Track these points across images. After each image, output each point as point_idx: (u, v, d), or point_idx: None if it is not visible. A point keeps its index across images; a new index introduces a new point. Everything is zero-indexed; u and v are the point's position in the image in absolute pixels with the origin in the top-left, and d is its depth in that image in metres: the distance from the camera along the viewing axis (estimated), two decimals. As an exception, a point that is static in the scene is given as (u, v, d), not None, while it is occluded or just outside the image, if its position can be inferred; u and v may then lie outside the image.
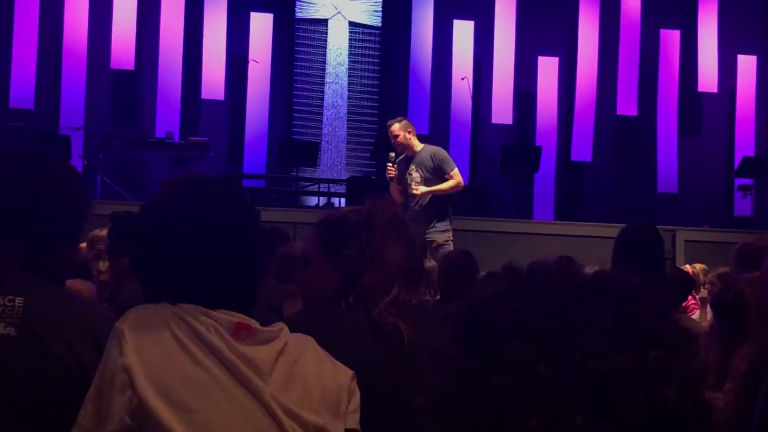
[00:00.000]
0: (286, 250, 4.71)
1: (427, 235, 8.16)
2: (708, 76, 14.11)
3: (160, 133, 12.55)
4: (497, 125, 13.83)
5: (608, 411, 0.90)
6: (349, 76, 13.94)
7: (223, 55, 13.26)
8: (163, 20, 13.06)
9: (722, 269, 6.56)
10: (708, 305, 6.10)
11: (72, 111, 12.66)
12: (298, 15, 13.90)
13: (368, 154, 13.17)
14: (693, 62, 14.14)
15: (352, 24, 13.99)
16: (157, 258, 1.95)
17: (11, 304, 1.97)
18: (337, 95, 13.90)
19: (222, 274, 1.92)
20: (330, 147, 13.82)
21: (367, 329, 2.31)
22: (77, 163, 11.38)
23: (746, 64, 14.26)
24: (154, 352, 1.81)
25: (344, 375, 1.98)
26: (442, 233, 8.27)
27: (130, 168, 12.72)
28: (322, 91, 13.88)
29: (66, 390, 1.95)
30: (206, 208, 1.95)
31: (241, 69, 13.42)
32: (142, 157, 12.83)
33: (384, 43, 14.15)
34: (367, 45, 14.08)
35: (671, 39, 14.18)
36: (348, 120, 13.94)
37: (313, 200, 13.06)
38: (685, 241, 10.90)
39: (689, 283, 6.12)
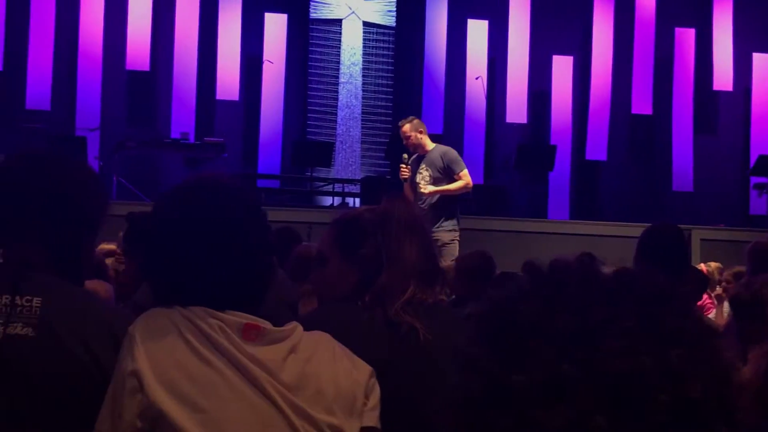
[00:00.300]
0: (303, 249, 4.71)
1: (433, 234, 8.16)
2: (723, 75, 14.06)
3: (175, 133, 12.58)
4: (512, 124, 13.82)
5: (631, 411, 0.89)
6: (363, 75, 13.95)
7: (237, 56, 13.28)
8: (178, 21, 13.10)
9: (738, 268, 6.55)
10: (724, 303, 6.09)
11: (88, 112, 12.70)
12: (313, 15, 13.92)
13: (382, 154, 13.18)
14: (708, 60, 14.09)
15: (366, 24, 14.00)
16: (165, 261, 1.95)
17: (29, 304, 1.98)
18: (351, 95, 13.91)
19: (230, 275, 1.93)
20: (344, 147, 13.83)
21: (384, 328, 2.31)
22: (93, 164, 11.41)
23: (762, 62, 14.20)
24: (164, 355, 1.82)
25: (362, 372, 1.98)
26: (448, 232, 8.29)
27: (146, 169, 12.76)
28: (337, 91, 13.89)
29: (83, 390, 1.96)
30: (212, 210, 1.95)
31: (256, 69, 13.44)
32: (158, 157, 12.87)
33: (398, 43, 14.15)
34: (381, 45, 14.09)
35: (686, 37, 14.13)
36: (362, 120, 13.95)
37: (327, 200, 13.07)
38: (701, 239, 10.87)
39: (704, 282, 6.10)
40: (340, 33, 13.94)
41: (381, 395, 2.00)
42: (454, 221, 8.39)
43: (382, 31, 14.11)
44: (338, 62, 13.92)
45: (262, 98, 13.45)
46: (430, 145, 8.48)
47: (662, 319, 0.94)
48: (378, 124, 13.96)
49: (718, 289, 6.88)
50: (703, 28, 14.14)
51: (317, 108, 13.88)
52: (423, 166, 8.37)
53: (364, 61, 13.96)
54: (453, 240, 8.29)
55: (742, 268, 5.86)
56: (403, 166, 8.40)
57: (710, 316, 6.34)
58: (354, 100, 13.92)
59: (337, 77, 13.90)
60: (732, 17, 14.09)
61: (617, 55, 13.94)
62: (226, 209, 1.96)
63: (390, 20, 14.12)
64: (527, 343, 0.93)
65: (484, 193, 12.60)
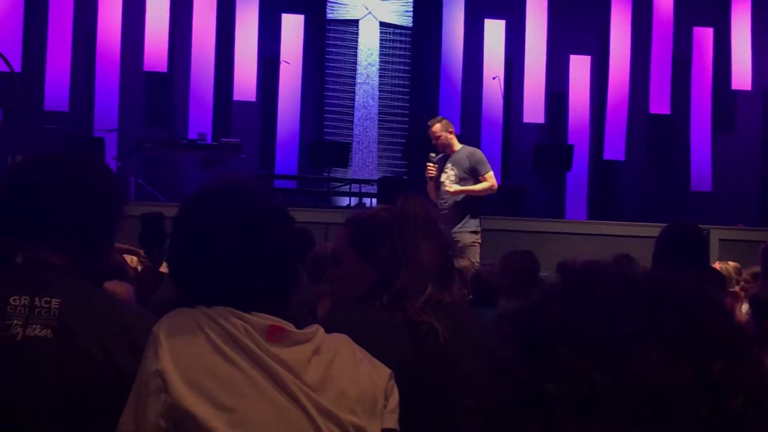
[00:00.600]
0: (319, 250, 4.71)
1: (455, 234, 8.20)
2: (742, 74, 13.99)
3: (192, 134, 12.62)
4: (529, 124, 13.79)
5: (668, 426, 0.84)
6: (380, 76, 13.95)
7: (254, 57, 13.31)
8: (196, 22, 13.13)
9: (757, 268, 6.52)
10: (742, 303, 6.06)
11: (106, 113, 12.75)
12: (329, 16, 13.93)
13: (399, 154, 13.18)
14: (726, 59, 14.02)
15: (382, 24, 14.00)
16: (190, 262, 1.96)
17: (47, 305, 1.99)
18: (368, 95, 13.91)
19: (255, 277, 1.93)
20: (361, 147, 13.83)
21: (404, 329, 2.31)
22: (111, 164, 11.45)
23: (781, 61, 14.14)
24: (188, 355, 1.83)
25: (382, 374, 1.98)
26: (470, 234, 8.35)
27: (164, 169, 12.80)
28: (353, 92, 13.90)
29: (101, 391, 1.96)
30: (238, 212, 1.95)
31: (273, 70, 13.46)
32: (175, 158, 12.91)
33: (415, 43, 14.14)
34: (398, 45, 14.08)
35: (704, 36, 14.06)
36: (379, 120, 13.95)
37: (344, 200, 13.08)
38: (719, 239, 10.82)
39: (723, 282, 6.07)
40: (357, 33, 13.95)
41: (401, 396, 2.00)
42: (477, 221, 8.46)
43: (398, 31, 14.10)
44: (355, 63, 13.92)
45: (279, 99, 13.47)
46: (457, 145, 8.58)
47: (703, 328, 0.89)
48: (395, 125, 13.95)
49: (736, 289, 6.86)
50: (721, 27, 14.07)
51: (334, 108, 13.89)
52: (449, 165, 8.44)
53: (380, 62, 13.96)
54: (474, 243, 8.36)
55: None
56: (431, 164, 8.48)
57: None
58: (371, 101, 13.92)
59: (354, 78, 13.90)
60: (750, 16, 14.02)
61: (635, 55, 13.89)
62: (251, 211, 1.96)
63: (407, 20, 14.12)
64: (559, 349, 0.88)
65: (502, 194, 12.57)
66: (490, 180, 8.43)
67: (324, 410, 1.85)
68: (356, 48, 13.94)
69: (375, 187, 12.59)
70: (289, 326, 1.91)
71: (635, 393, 0.85)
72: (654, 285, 0.93)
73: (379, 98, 13.93)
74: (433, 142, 8.54)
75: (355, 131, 13.85)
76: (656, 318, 0.89)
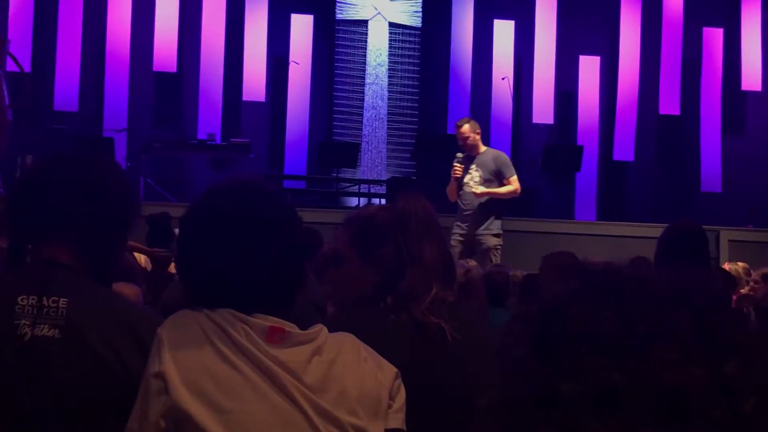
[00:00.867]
0: (328, 251, 4.70)
1: (478, 236, 8.33)
2: (752, 75, 13.95)
3: (201, 134, 12.64)
4: (538, 125, 13.78)
5: (682, 425, 0.86)
6: (389, 76, 13.95)
7: (264, 57, 13.32)
8: (205, 23, 13.15)
9: (766, 269, 6.51)
10: (751, 304, 6.05)
11: (115, 113, 12.78)
12: (339, 16, 13.93)
13: (408, 155, 13.18)
14: (736, 60, 13.99)
15: (392, 25, 13.99)
16: (197, 262, 1.96)
17: (55, 305, 1.99)
18: (377, 96, 13.91)
19: (261, 277, 1.93)
20: (370, 148, 13.83)
21: (410, 330, 2.30)
22: (120, 165, 11.46)
23: (791, 62, 14.10)
24: (189, 357, 1.84)
25: (387, 373, 1.97)
26: (493, 237, 8.51)
27: (173, 169, 12.82)
28: (362, 92, 13.89)
29: (109, 391, 1.97)
30: (245, 211, 1.95)
31: (282, 70, 13.47)
32: (185, 158, 12.93)
33: (424, 44, 14.13)
34: (407, 45, 14.08)
35: (714, 37, 14.03)
36: (388, 121, 13.95)
37: (353, 201, 13.08)
38: (729, 241, 10.79)
39: (732, 282, 6.07)
40: (366, 34, 13.95)
41: (408, 396, 1.99)
42: (500, 224, 8.60)
43: (408, 31, 14.10)
44: (364, 63, 13.92)
45: (288, 99, 13.48)
46: (482, 147, 8.73)
47: (718, 330, 0.90)
48: (404, 125, 13.95)
49: (746, 289, 6.86)
50: (731, 27, 14.04)
51: (343, 109, 13.90)
52: (474, 166, 8.56)
53: (390, 62, 13.96)
54: (497, 245, 8.51)
55: (771, 270, 5.84)
56: (457, 164, 8.58)
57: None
58: (380, 101, 13.92)
59: (363, 78, 13.90)
60: (761, 17, 13.98)
61: (644, 55, 13.86)
62: (259, 211, 1.96)
63: (416, 21, 14.11)
64: (577, 348, 0.89)
65: (511, 194, 12.56)
66: (514, 184, 8.60)
67: (323, 411, 1.85)
68: (365, 48, 13.94)
69: (384, 187, 12.59)
70: (291, 327, 1.90)
71: (649, 393, 0.86)
72: (669, 287, 0.94)
73: (388, 99, 13.93)
74: (460, 142, 8.65)
75: (364, 131, 13.85)
76: (671, 319, 0.90)
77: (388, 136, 13.93)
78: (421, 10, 14.08)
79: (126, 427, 1.85)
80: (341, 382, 1.89)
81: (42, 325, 1.97)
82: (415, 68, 14.08)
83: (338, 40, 13.94)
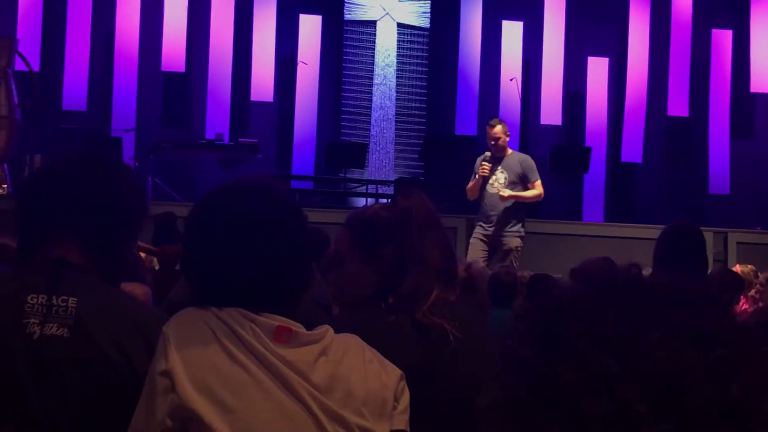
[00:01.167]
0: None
1: (503, 237, 8.47)
2: (761, 77, 13.92)
3: (209, 134, 12.65)
4: (546, 126, 13.77)
5: (674, 403, 0.91)
6: (397, 77, 13.95)
7: (272, 57, 13.33)
8: (213, 23, 13.17)
9: (771, 273, 6.53)
10: (759, 305, 6.05)
11: (123, 113, 12.80)
12: (347, 17, 13.94)
13: (416, 156, 13.18)
14: (745, 62, 13.96)
15: (400, 25, 14.00)
16: (203, 261, 1.96)
17: (65, 304, 2.00)
18: (385, 96, 13.92)
19: (267, 277, 1.93)
20: (378, 148, 13.84)
21: (412, 331, 2.29)
22: (130, 164, 11.49)
23: (800, 64, 14.06)
24: (196, 355, 1.83)
25: (392, 375, 1.97)
26: (516, 238, 8.68)
27: (181, 169, 12.83)
28: (371, 93, 13.90)
29: (117, 390, 1.97)
30: (250, 211, 1.95)
31: (290, 71, 13.48)
32: (192, 158, 12.94)
33: (432, 45, 14.14)
34: (416, 46, 14.08)
35: (723, 39, 14.00)
36: (396, 121, 13.95)
37: (361, 201, 13.07)
38: (737, 243, 10.77)
39: (740, 284, 6.07)
40: (375, 34, 13.95)
41: (412, 398, 1.99)
42: (522, 227, 8.78)
43: (416, 32, 14.10)
44: (372, 63, 13.92)
45: (296, 99, 13.49)
46: (508, 149, 8.87)
47: (706, 322, 0.96)
48: (412, 126, 13.95)
49: (752, 291, 6.90)
50: (740, 29, 14.01)
51: (351, 109, 13.90)
52: (499, 168, 8.71)
53: (398, 63, 13.96)
54: (518, 247, 8.69)
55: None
56: (486, 163, 8.68)
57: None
58: (388, 102, 13.92)
59: (371, 78, 13.91)
60: (770, 18, 13.96)
61: (653, 57, 13.84)
62: (264, 210, 1.96)
63: (424, 22, 14.11)
64: (573, 341, 0.95)
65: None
66: (539, 188, 8.77)
67: (330, 411, 1.85)
68: (374, 49, 13.94)
69: (391, 188, 12.59)
70: (298, 327, 1.90)
71: (643, 374, 0.92)
72: (662, 284, 1.01)
73: (397, 99, 13.93)
74: (491, 142, 8.76)
75: (372, 132, 13.85)
76: (664, 312, 0.96)
77: (396, 136, 13.93)
78: (429, 10, 14.08)
79: (130, 426, 1.84)
80: (347, 382, 1.89)
81: (51, 324, 1.98)
82: (424, 69, 14.08)
83: (346, 40, 13.95)
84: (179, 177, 12.49)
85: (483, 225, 8.71)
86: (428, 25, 14.11)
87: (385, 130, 13.91)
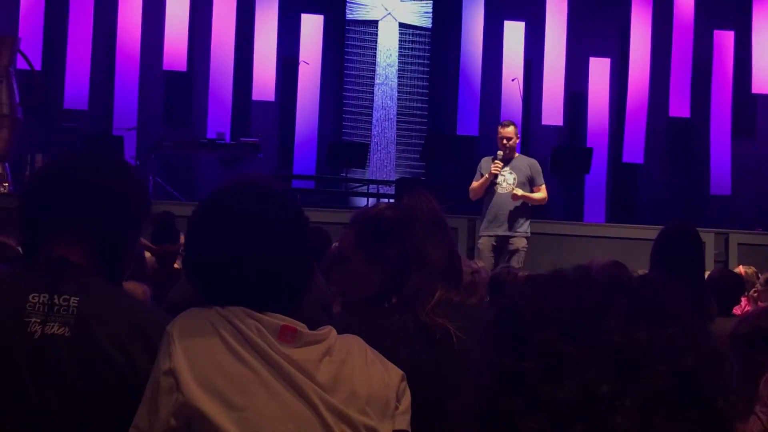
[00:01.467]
0: (336, 250, 4.70)
1: (511, 237, 8.60)
2: (762, 78, 13.92)
3: (211, 133, 12.65)
4: (548, 126, 13.77)
5: (633, 380, 0.98)
6: (398, 77, 13.95)
7: (273, 57, 13.33)
8: (215, 22, 13.17)
9: (769, 274, 6.54)
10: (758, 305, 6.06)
11: (125, 112, 12.81)
12: (349, 16, 13.94)
13: (417, 155, 13.18)
14: (747, 63, 13.96)
15: (402, 25, 14.00)
16: (205, 261, 1.96)
17: (66, 303, 2.00)
18: (386, 96, 13.92)
19: (268, 276, 1.93)
20: (379, 148, 13.84)
21: (416, 331, 2.29)
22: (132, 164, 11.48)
23: (802, 65, 14.05)
24: (201, 354, 1.83)
25: (394, 375, 1.98)
26: (523, 238, 8.81)
27: (182, 168, 12.84)
28: (372, 92, 13.90)
29: (117, 390, 1.97)
30: (253, 212, 1.95)
31: (292, 70, 13.49)
32: (194, 157, 12.95)
33: (434, 45, 14.14)
34: (417, 46, 14.08)
35: (725, 40, 14.00)
36: (397, 121, 13.95)
37: (362, 201, 13.07)
38: (738, 244, 10.76)
39: (740, 285, 6.07)
40: (376, 34, 13.96)
41: (414, 398, 1.99)
42: (528, 225, 8.90)
43: (418, 32, 14.10)
44: (374, 63, 13.93)
45: (297, 99, 13.50)
46: (516, 152, 9.03)
47: (654, 304, 1.04)
48: (413, 126, 13.95)
49: (751, 292, 6.93)
50: (742, 30, 14.00)
51: (352, 109, 13.91)
52: (508, 169, 8.86)
53: (399, 63, 13.96)
54: (524, 248, 8.81)
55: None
56: (498, 162, 8.80)
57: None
58: (389, 102, 13.92)
59: (373, 78, 13.91)
60: (772, 19, 13.95)
61: (655, 58, 13.84)
62: (265, 210, 1.96)
63: (426, 22, 14.11)
64: (532, 332, 1.03)
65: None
66: (544, 192, 8.97)
67: (335, 410, 1.85)
68: (375, 49, 13.95)
69: (393, 188, 12.59)
70: (302, 327, 1.91)
71: (600, 356, 0.99)
72: (607, 276, 1.09)
73: (398, 99, 13.93)
74: (503, 143, 8.87)
75: (374, 132, 13.85)
76: (612, 299, 1.04)
77: (398, 136, 13.93)
78: (431, 10, 14.08)
79: (132, 425, 1.84)
80: (351, 382, 1.90)
81: (52, 323, 1.98)
82: (425, 69, 14.09)
83: (348, 40, 13.95)
84: (180, 176, 12.50)
85: (490, 224, 8.79)
86: (430, 25, 14.11)
87: (386, 130, 13.91)
